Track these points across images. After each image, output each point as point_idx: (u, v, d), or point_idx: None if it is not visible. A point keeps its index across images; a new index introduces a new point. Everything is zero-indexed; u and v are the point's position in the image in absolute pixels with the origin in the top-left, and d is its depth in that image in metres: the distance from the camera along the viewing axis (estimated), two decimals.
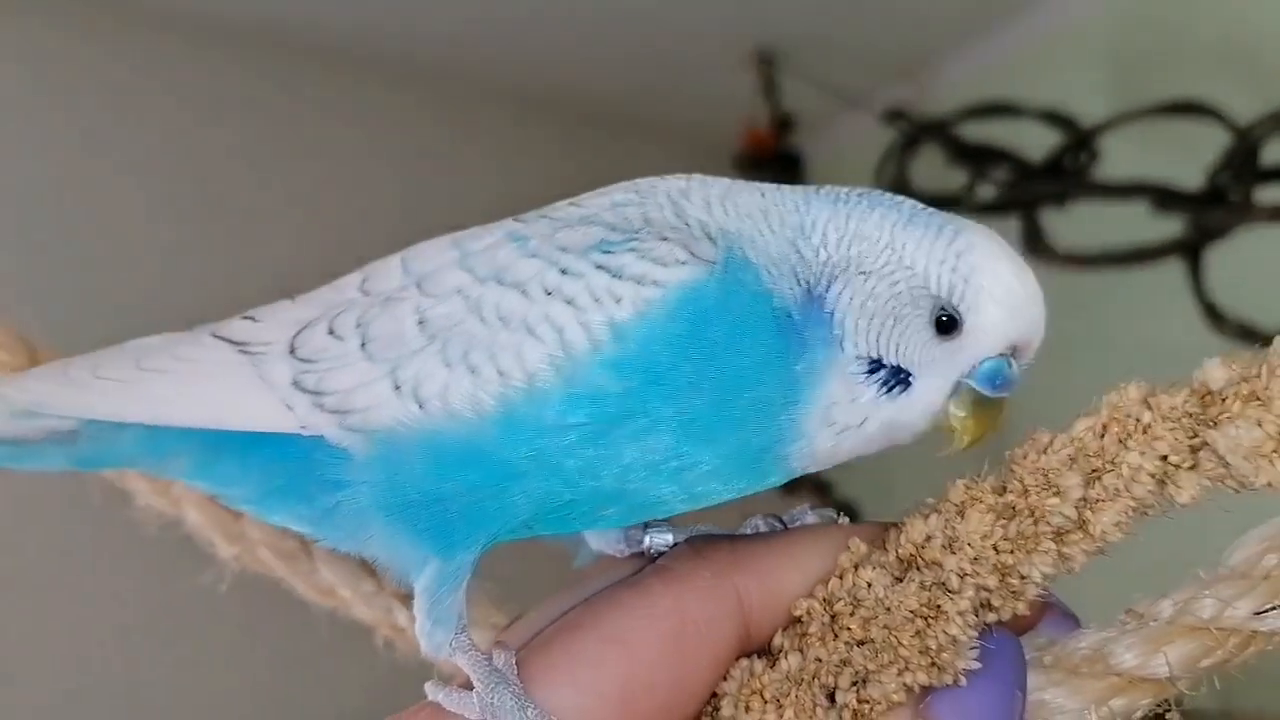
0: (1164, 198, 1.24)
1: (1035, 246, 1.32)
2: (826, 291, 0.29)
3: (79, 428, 0.33)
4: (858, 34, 1.82)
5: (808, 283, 0.29)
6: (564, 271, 0.28)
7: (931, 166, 1.49)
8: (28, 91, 1.53)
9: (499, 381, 0.27)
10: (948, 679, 0.27)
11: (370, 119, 1.82)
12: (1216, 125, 1.25)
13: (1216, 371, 0.28)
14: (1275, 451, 0.27)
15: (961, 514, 0.28)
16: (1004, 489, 0.28)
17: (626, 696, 0.27)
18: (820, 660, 0.28)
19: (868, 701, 0.27)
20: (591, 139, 2.04)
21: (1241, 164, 1.24)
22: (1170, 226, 1.25)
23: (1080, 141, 1.38)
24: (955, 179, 1.45)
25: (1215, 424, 0.27)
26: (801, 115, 1.84)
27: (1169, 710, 0.29)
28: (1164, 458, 0.27)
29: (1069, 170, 1.38)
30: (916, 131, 1.50)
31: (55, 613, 1.40)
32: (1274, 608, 0.28)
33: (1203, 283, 1.23)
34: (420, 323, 0.29)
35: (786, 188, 0.31)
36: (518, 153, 1.96)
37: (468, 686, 0.27)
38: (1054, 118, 1.41)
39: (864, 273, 0.29)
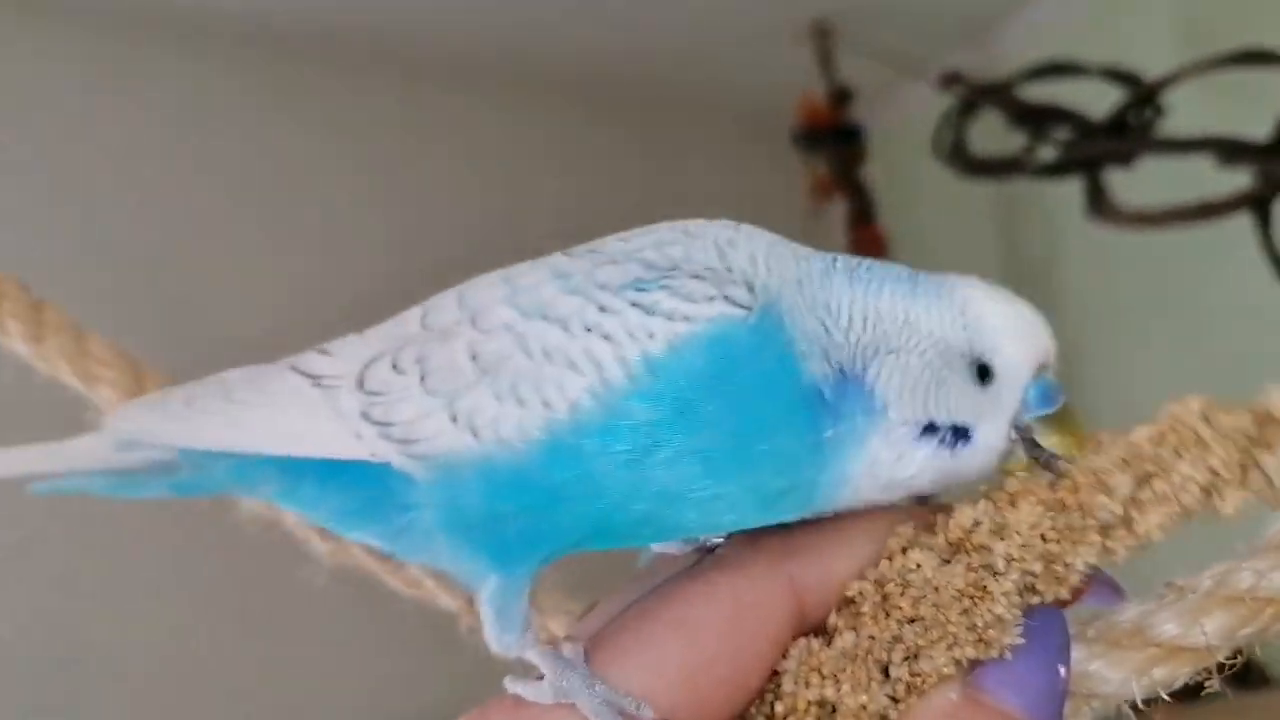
0: (1230, 150, 1.22)
1: (1099, 206, 1.31)
2: (863, 372, 0.30)
3: (177, 457, 0.35)
4: (914, 2, 1.80)
5: (839, 363, 0.30)
6: (602, 308, 0.30)
7: (991, 131, 1.47)
8: (96, 107, 1.59)
9: (544, 412, 0.30)
10: (994, 653, 0.29)
11: (426, 119, 1.84)
12: None
13: (1277, 397, 0.29)
14: None
15: (1013, 503, 0.30)
16: (1056, 484, 0.30)
17: (689, 675, 0.29)
18: (873, 638, 0.30)
19: (919, 675, 0.29)
20: (648, 119, 2.04)
21: None
22: (1239, 180, 1.23)
23: (1144, 98, 1.35)
24: (1014, 142, 1.44)
25: (1269, 447, 0.29)
26: (860, 87, 1.83)
27: (1210, 678, 0.30)
28: (1214, 471, 0.29)
29: (1133, 127, 1.35)
30: (974, 95, 1.48)
31: (164, 611, 1.47)
32: None
33: (1272, 236, 1.20)
34: (473, 357, 0.31)
35: (813, 256, 0.32)
36: (578, 137, 1.98)
37: (542, 678, 0.30)
38: (1116, 74, 1.38)
39: (892, 351, 0.31)
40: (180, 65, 1.65)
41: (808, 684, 0.30)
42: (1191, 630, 0.30)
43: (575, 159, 1.94)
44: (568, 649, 0.30)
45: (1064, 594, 0.30)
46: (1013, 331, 0.31)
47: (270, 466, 0.34)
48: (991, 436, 0.31)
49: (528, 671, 0.30)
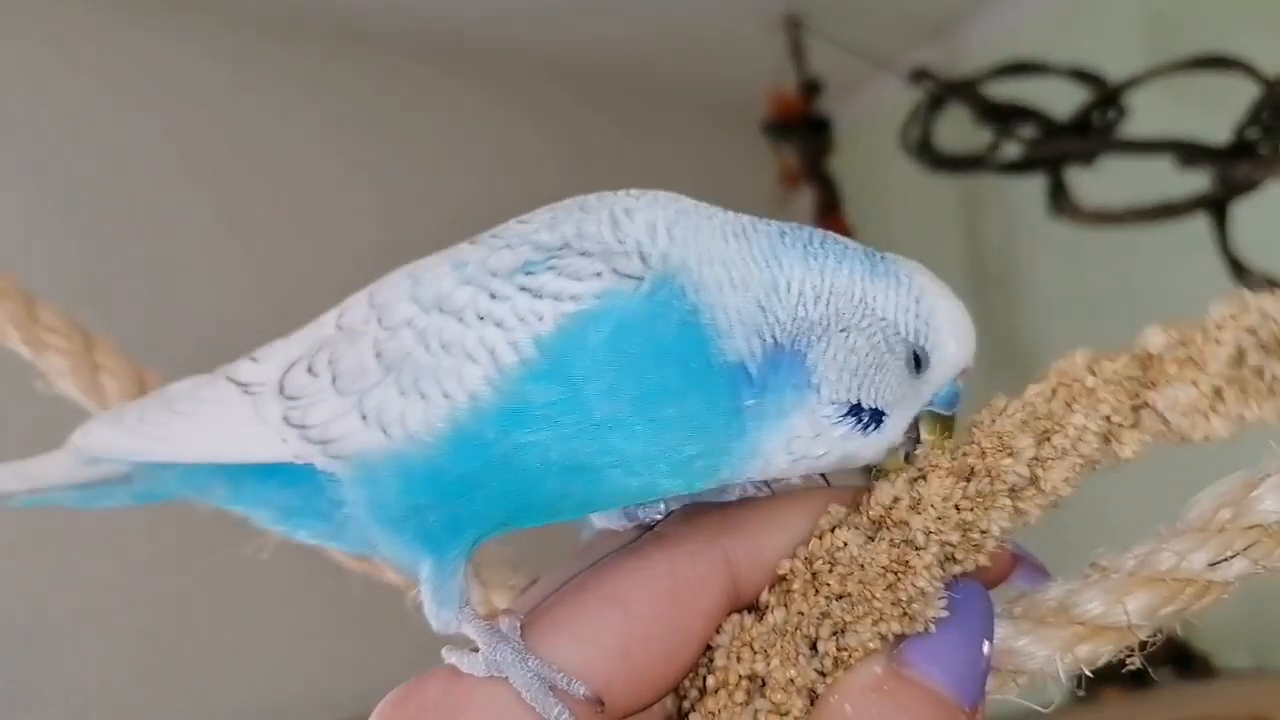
0: (1190, 153, 1.24)
1: (1061, 204, 1.33)
2: (807, 348, 0.31)
3: (132, 469, 0.37)
4: None
5: (778, 339, 0.31)
6: (493, 295, 0.30)
7: (957, 127, 1.49)
8: (89, 88, 1.57)
9: (446, 404, 0.30)
10: (919, 627, 0.29)
11: (402, 94, 1.84)
12: (1246, 79, 1.24)
13: (1155, 337, 0.30)
14: (1211, 408, 0.29)
15: (924, 477, 0.30)
16: (963, 452, 0.31)
17: (625, 649, 0.29)
18: (803, 614, 0.30)
19: (846, 649, 0.30)
20: (620, 107, 2.04)
21: (1271, 116, 1.22)
22: (1197, 182, 1.25)
23: (1108, 98, 1.37)
24: (980, 138, 1.45)
25: (1154, 385, 0.30)
26: (829, 79, 1.84)
27: (1130, 656, 0.31)
28: (1107, 418, 0.30)
29: (1096, 127, 1.37)
30: (942, 91, 1.49)
31: (120, 585, 1.46)
32: (1227, 559, 0.30)
33: (1228, 237, 1.22)
34: (377, 355, 0.32)
35: (755, 229, 0.32)
36: (552, 122, 1.97)
37: (478, 651, 0.30)
38: (1081, 75, 1.40)
39: (844, 330, 0.31)
40: (165, 46, 1.64)
41: (739, 658, 0.30)
42: (1114, 609, 0.30)
43: (550, 143, 1.94)
44: (504, 623, 0.30)
45: (982, 560, 0.30)
46: (958, 332, 0.32)
47: (213, 473, 0.35)
48: (899, 424, 0.32)
49: (467, 644, 0.31)
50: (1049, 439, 0.30)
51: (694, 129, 2.10)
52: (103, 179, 1.56)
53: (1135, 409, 0.30)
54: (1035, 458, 0.30)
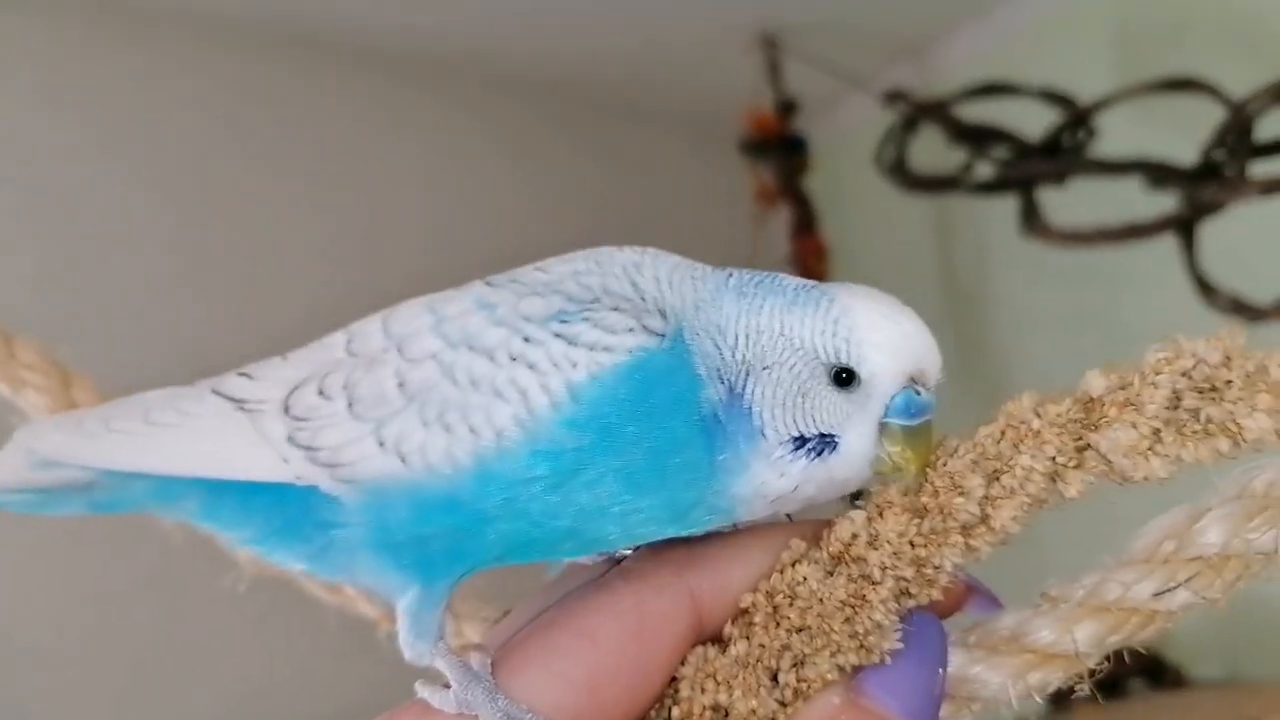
0: (1159, 174, 1.26)
1: (1032, 224, 1.35)
2: (744, 390, 0.32)
3: (95, 477, 0.36)
4: (861, 17, 1.83)
5: (729, 382, 0.32)
6: (527, 339, 0.31)
7: (931, 147, 1.51)
8: (45, 96, 1.56)
9: (471, 439, 0.31)
10: (875, 659, 0.31)
11: (374, 110, 1.83)
12: (1213, 102, 1.26)
13: (1096, 381, 0.31)
14: (1150, 450, 0.30)
15: (881, 515, 0.32)
16: (918, 490, 0.32)
17: (592, 683, 0.30)
18: (764, 646, 0.31)
19: (805, 681, 0.31)
20: (597, 125, 2.05)
21: (1236, 139, 1.25)
22: (1166, 203, 1.27)
23: (1078, 120, 1.39)
24: (954, 159, 1.47)
25: (1096, 428, 0.31)
26: (805, 99, 1.86)
27: (1080, 682, 0.32)
28: (1053, 459, 0.31)
29: (1067, 148, 1.39)
30: (916, 112, 1.51)
31: (87, 609, 1.45)
32: (1170, 589, 0.31)
33: (1195, 258, 1.24)
34: (400, 385, 0.32)
35: (709, 275, 0.33)
36: (525, 141, 1.98)
37: (450, 687, 0.31)
38: (1052, 96, 1.42)
39: (766, 367, 0.32)
40: (138, 60, 1.63)
41: (703, 689, 0.31)
42: (1064, 638, 0.32)
43: (525, 160, 1.95)
44: (475, 659, 0.31)
45: (935, 594, 0.31)
46: (883, 340, 0.32)
47: (190, 487, 0.35)
48: (858, 442, 0.32)
49: (439, 678, 0.31)
50: (998, 479, 0.31)
51: (671, 147, 2.12)
52: (65, 199, 1.55)
53: (1079, 450, 0.31)
54: (986, 496, 0.31)
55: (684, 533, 0.32)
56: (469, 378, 0.31)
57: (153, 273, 1.58)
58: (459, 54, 1.85)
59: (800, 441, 0.32)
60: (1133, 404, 0.30)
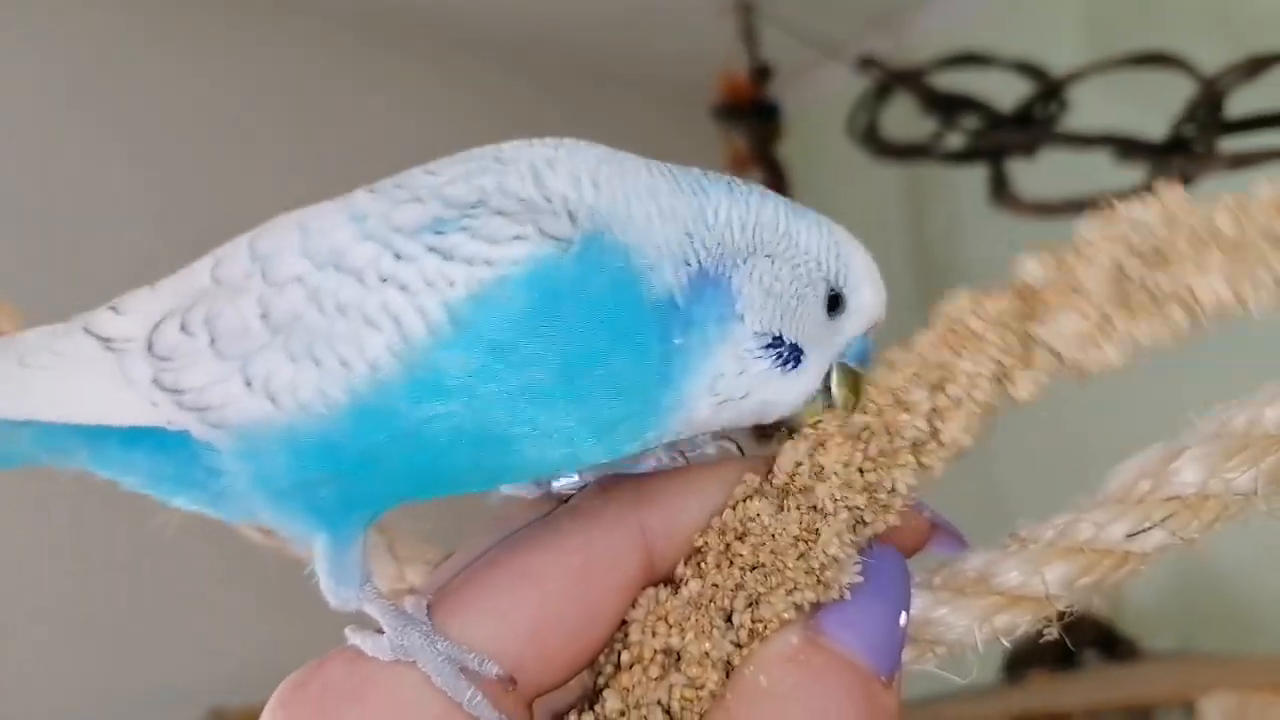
0: (1128, 147, 1.26)
1: (1001, 195, 1.34)
2: (732, 272, 0.30)
3: None
4: None
5: (703, 264, 0.29)
6: (398, 256, 0.28)
7: (903, 115, 1.50)
8: (27, 59, 1.51)
9: (343, 373, 0.28)
10: (833, 595, 0.29)
11: (347, 72, 1.81)
12: (1184, 76, 1.26)
13: (1032, 268, 0.29)
14: (1101, 334, 0.28)
15: (823, 444, 0.30)
16: (860, 411, 0.30)
17: (536, 627, 0.28)
18: (717, 585, 0.29)
19: (761, 621, 0.29)
20: (571, 87, 2.03)
21: (1206, 114, 1.25)
22: (1134, 176, 1.27)
23: (1050, 91, 1.39)
24: (925, 127, 1.46)
25: (1040, 319, 0.29)
26: (779, 65, 1.84)
27: (1048, 627, 0.31)
28: (998, 360, 0.29)
29: (1038, 120, 1.39)
30: (889, 79, 1.50)
31: (15, 557, 1.42)
32: (1145, 529, 0.30)
33: None
34: (263, 316, 0.29)
35: (679, 169, 0.31)
36: (497, 103, 1.95)
37: (383, 632, 0.28)
38: (1025, 68, 1.41)
39: (769, 256, 0.30)
40: (105, 22, 1.58)
41: (654, 633, 0.30)
42: (1033, 579, 0.30)
43: (497, 122, 1.90)
44: (409, 602, 0.28)
45: (892, 519, 0.30)
46: (872, 280, 0.32)
47: (73, 435, 0.31)
48: (816, 367, 0.31)
49: (371, 623, 0.29)
50: (943, 389, 0.29)
51: (644, 110, 2.10)
52: (41, 167, 1.51)
53: (1025, 347, 0.29)
54: (933, 409, 0.29)
55: (611, 456, 0.30)
56: (336, 303, 0.28)
57: (124, 236, 1.54)
58: (432, 15, 1.81)
59: (776, 342, 0.30)
60: (1074, 287, 0.28)
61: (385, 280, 0.28)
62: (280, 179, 1.69)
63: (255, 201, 1.64)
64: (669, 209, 0.30)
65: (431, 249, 0.28)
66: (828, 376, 0.31)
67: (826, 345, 0.31)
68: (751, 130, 1.82)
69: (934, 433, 0.29)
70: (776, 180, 1.83)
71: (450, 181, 0.29)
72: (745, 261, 0.30)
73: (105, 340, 0.31)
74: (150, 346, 0.30)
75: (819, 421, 0.30)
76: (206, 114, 1.66)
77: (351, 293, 0.28)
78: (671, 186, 0.30)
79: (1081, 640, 1.40)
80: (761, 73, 1.84)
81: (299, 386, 0.28)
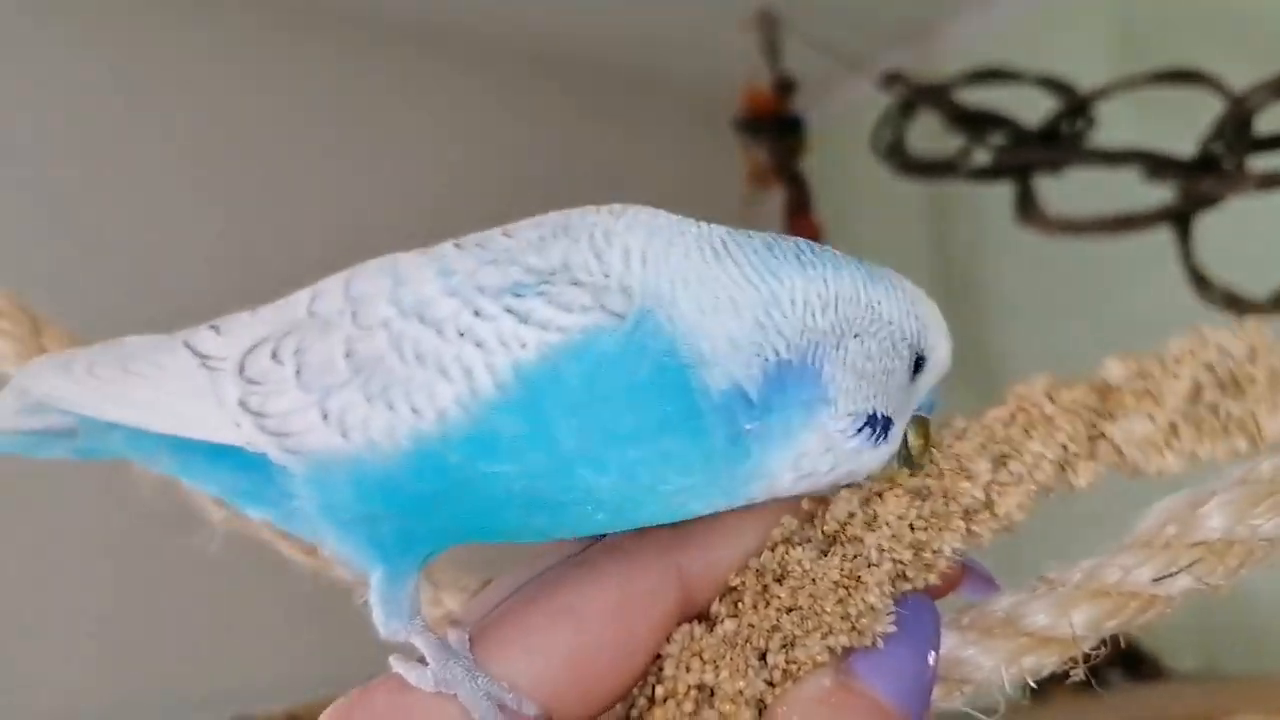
0: (1156, 165, 1.25)
1: (1028, 212, 1.34)
2: (823, 360, 0.30)
3: (77, 423, 0.35)
4: None
5: (782, 355, 0.30)
6: (477, 313, 0.29)
7: (929, 131, 1.50)
8: (68, 62, 1.53)
9: (413, 419, 0.29)
10: (866, 641, 0.30)
11: (377, 81, 1.82)
12: (1213, 94, 1.26)
13: (1115, 368, 0.30)
14: (1165, 443, 0.29)
15: (881, 496, 0.31)
16: (919, 472, 0.31)
17: (575, 660, 0.29)
18: (753, 626, 0.30)
19: (795, 662, 0.30)
20: (594, 100, 2.04)
21: (1235, 132, 1.24)
22: (1162, 194, 1.26)
23: (1077, 108, 1.38)
24: (951, 144, 1.46)
25: (1112, 417, 0.30)
26: (803, 78, 1.84)
27: (1075, 667, 0.31)
28: (1064, 446, 0.30)
29: (1065, 136, 1.38)
30: (914, 95, 1.50)
31: (58, 570, 1.44)
32: (1171, 574, 0.30)
33: (1191, 250, 1.24)
34: (347, 355, 0.30)
35: (737, 243, 0.31)
36: (522, 110, 1.96)
37: (426, 663, 0.29)
38: (1052, 84, 1.41)
39: (858, 335, 0.30)
40: (134, 26, 1.60)
41: (688, 669, 0.30)
42: (1060, 621, 0.31)
43: (522, 130, 1.94)
44: (453, 636, 0.30)
45: (933, 579, 0.30)
46: (945, 334, 0.32)
47: (161, 442, 0.33)
48: (898, 433, 0.32)
49: (416, 652, 0.30)
50: (1005, 464, 0.30)
51: (666, 122, 2.10)
52: (64, 156, 1.53)
53: (1092, 439, 0.30)
54: (992, 481, 0.30)
55: (673, 520, 0.31)
56: (415, 352, 0.29)
57: (163, 233, 1.56)
58: (455, 26, 1.82)
59: (870, 419, 0.30)
60: (1152, 394, 0.29)
61: (463, 335, 0.29)
62: (318, 185, 1.71)
63: (305, 214, 1.65)
64: (730, 299, 0.30)
65: (509, 310, 0.29)
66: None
67: (906, 408, 0.32)
68: (774, 144, 1.82)
69: (989, 504, 0.30)
70: (799, 196, 1.83)
71: (527, 250, 0.31)
72: (836, 346, 0.30)
73: (203, 358, 0.33)
74: (242, 369, 0.32)
75: (885, 473, 0.31)
76: (259, 124, 1.68)
77: (430, 344, 0.29)
78: (733, 272, 0.30)
79: (1105, 660, 1.39)
80: (785, 86, 1.84)
81: (370, 425, 0.29)
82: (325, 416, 0.30)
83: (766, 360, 0.29)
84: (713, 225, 0.32)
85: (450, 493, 0.29)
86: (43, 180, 1.50)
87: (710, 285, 0.30)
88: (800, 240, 0.32)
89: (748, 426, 0.29)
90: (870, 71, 1.66)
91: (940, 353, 0.32)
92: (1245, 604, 1.44)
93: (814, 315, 0.30)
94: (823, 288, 0.30)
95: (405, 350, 0.29)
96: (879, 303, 0.31)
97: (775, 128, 1.82)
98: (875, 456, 0.31)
